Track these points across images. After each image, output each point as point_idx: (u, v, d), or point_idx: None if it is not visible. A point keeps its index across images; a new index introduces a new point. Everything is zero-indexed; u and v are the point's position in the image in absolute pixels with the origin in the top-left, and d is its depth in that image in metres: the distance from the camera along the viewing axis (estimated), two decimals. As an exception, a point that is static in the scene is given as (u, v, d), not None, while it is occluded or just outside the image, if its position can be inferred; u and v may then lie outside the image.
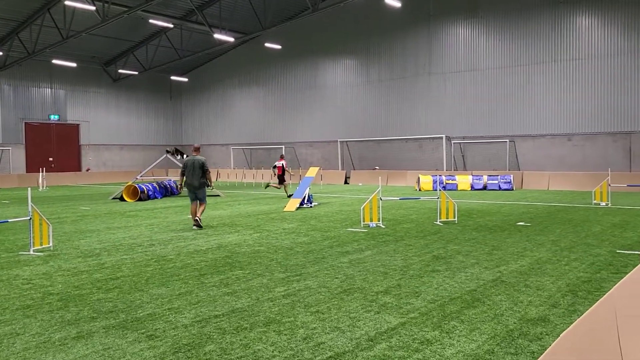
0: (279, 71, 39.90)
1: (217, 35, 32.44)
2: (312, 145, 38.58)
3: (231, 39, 34.08)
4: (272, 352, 4.86)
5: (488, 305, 6.19)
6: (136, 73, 41.21)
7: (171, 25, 33.93)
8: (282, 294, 6.86)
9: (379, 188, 13.23)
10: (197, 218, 12.89)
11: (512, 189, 25.45)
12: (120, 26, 33.77)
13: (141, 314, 6.03)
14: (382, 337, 5.18)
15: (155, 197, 22.89)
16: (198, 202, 13.11)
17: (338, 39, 36.29)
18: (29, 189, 10.79)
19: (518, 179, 26.95)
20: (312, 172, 20.20)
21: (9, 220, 11.30)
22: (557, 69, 27.97)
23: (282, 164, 22.02)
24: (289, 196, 19.30)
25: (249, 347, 4.98)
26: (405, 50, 33.38)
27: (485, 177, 26.26)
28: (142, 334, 5.38)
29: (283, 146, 39.14)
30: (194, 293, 6.96)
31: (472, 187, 25.98)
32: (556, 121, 28.11)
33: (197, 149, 13.70)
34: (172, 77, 44.89)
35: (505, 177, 26.02)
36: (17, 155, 37.73)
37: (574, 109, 27.53)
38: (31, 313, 6.13)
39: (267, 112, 41.02)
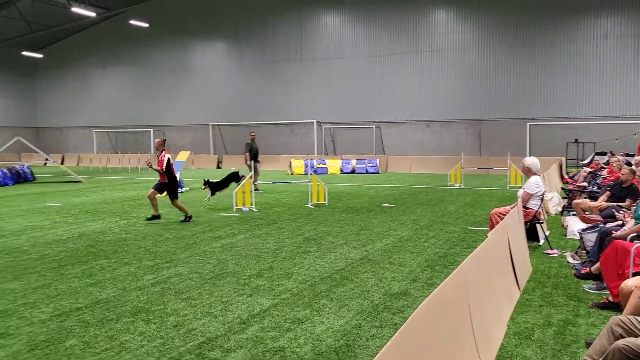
0: (146, 51, 37.95)
1: (75, 9, 29.99)
2: (182, 128, 37.40)
3: (92, 14, 31.75)
4: (141, 342, 4.70)
5: (356, 282, 6.51)
6: (-21, 46, 36.83)
7: (21, -5, 30.73)
8: (151, 281, 6.63)
9: (251, 172, 13.22)
10: None
11: (378, 172, 26.81)
12: (-42, -9, 29.91)
13: (-10, 312, 5.50)
14: (255, 320, 5.24)
15: (6, 184, 20.81)
16: None
17: (209, 20, 35.36)
18: None
19: (383, 163, 28.43)
20: (183, 156, 19.63)
21: None
22: (418, 59, 29.79)
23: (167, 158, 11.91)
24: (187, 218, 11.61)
25: (115, 339, 4.77)
26: (276, 35, 33.46)
27: (353, 161, 27.36)
28: (-8, 333, 4.91)
29: (151, 129, 37.47)
30: (53, 285, 6.48)
31: (341, 170, 26.94)
32: (417, 108, 30.00)
33: None
34: (24, 53, 40.75)
35: (372, 161, 27.32)
36: None
37: (432, 97, 29.56)
38: None
39: (134, 93, 38.92)
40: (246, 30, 34.32)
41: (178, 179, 17.58)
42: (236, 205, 12.87)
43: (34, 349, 4.54)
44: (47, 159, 26.43)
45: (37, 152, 27.89)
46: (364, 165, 27.09)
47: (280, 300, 5.83)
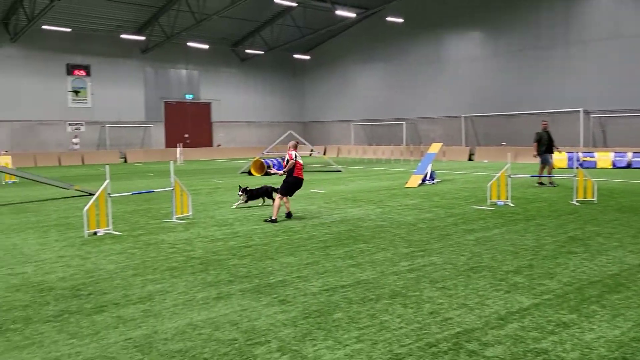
0: (400, 46, 39.22)
1: (338, 12, 32.61)
2: (434, 121, 37.67)
3: (352, 15, 34.10)
4: (399, 323, 4.90)
5: (634, 291, 5.71)
6: (262, 52, 42.81)
7: (295, 4, 34.59)
8: (407, 268, 6.85)
9: (508, 164, 12.62)
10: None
11: (661, 168, 22.98)
12: (248, 7, 35.12)
13: (273, 280, 6.37)
14: (514, 317, 5.00)
15: (276, 173, 23.79)
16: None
17: (463, 11, 34.78)
18: (171, 162, 11.72)
19: (668, 157, 24.25)
20: (435, 148, 19.74)
21: (155, 190, 12.41)
22: None
23: (294, 155, 11.09)
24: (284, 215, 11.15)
25: (376, 318, 5.06)
26: (539, 19, 31.13)
27: (630, 154, 23.96)
28: (275, 298, 5.68)
29: (404, 122, 38.66)
30: (320, 263, 7.18)
31: (613, 164, 23.87)
32: None
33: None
34: (295, 56, 45.99)
35: (653, 155, 23.55)
36: (158, 132, 41.12)
37: None
38: (177, 274, 6.73)
39: (388, 87, 40.64)
40: (505, 16, 32.75)
41: (430, 171, 17.86)
42: (490, 199, 12.45)
43: (308, 317, 5.10)
44: (312, 150, 29.41)
45: (305, 144, 31.25)
46: (641, 159, 23.52)
47: (542, 301, 5.45)
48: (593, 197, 12.47)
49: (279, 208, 10.73)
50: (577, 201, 12.41)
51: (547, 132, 16.50)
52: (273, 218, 10.51)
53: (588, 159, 24.30)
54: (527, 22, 31.66)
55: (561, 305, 5.31)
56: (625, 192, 14.44)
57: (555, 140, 16.76)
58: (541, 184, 16.31)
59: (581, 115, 29.12)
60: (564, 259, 7.16)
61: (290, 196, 11.18)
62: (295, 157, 10.86)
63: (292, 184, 10.92)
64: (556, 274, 6.41)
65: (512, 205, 12.20)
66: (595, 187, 12.70)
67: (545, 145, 16.35)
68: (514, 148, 30.24)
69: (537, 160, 16.64)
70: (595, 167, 23.67)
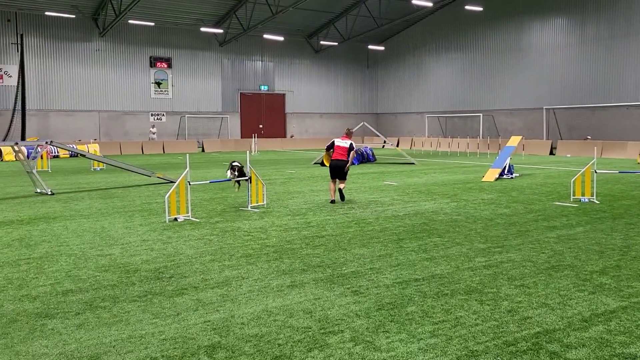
0: (478, 34, 38.00)
1: (415, 1, 32.00)
2: (512, 113, 36.29)
3: (429, 4, 33.36)
4: (475, 320, 4.79)
5: None
6: (336, 44, 42.85)
7: (370, -6, 34.36)
8: (483, 264, 6.67)
9: (593, 159, 11.95)
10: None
11: None
12: (323, -1, 35.26)
13: (346, 271, 6.40)
14: (599, 319, 4.75)
15: (353, 163, 23.78)
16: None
17: (547, -4, 33.16)
18: (247, 152, 12.01)
19: None
20: (514, 141, 19.03)
21: (231, 179, 12.77)
22: None
23: (350, 144, 11.93)
24: (332, 202, 11.94)
25: (451, 313, 4.97)
26: (630, 4, 29.15)
27: None
28: (348, 289, 5.71)
29: (481, 114, 37.51)
30: (394, 256, 7.13)
31: None
32: None
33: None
34: (369, 47, 45.66)
35: None
36: (234, 123, 42.27)
37: None
38: (252, 261, 6.91)
39: (464, 78, 39.54)
40: (593, 1, 30.93)
41: (508, 165, 17.24)
42: (574, 195, 11.86)
43: (381, 309, 5.09)
44: (385, 142, 29.20)
45: (378, 136, 31.05)
46: None
47: (630, 303, 5.14)
48: (689, 196, 11.59)
49: (333, 191, 11.98)
50: (671, 199, 11.58)
51: None
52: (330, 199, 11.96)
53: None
54: (617, 8, 29.72)
55: (652, 309, 4.99)
56: None
57: None
58: None
59: (677, 107, 27.06)
60: (656, 260, 6.71)
61: (335, 179, 11.93)
62: (333, 142, 12.11)
63: (329, 167, 12.02)
64: (647, 277, 6.02)
65: (597, 202, 11.56)
66: (693, 185, 11.80)
67: None
68: (599, 142, 28.59)
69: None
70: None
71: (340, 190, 11.91)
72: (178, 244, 7.96)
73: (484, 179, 16.44)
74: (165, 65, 38.96)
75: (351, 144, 11.82)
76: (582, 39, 31.65)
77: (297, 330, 4.57)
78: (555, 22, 33.11)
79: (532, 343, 4.28)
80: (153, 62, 38.42)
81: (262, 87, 43.29)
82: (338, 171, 11.79)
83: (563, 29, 32.73)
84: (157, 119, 38.94)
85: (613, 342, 4.28)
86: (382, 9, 36.99)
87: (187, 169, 9.92)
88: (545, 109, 33.37)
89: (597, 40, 30.88)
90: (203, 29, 37.47)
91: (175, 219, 9.79)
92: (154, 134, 37.83)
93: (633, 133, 28.95)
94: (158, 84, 38.87)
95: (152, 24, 36.47)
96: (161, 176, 16.26)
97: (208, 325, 4.72)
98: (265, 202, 11.51)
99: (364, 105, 48.38)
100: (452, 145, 35.46)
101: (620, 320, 4.72)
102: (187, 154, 10.69)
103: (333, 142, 12.09)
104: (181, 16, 37.17)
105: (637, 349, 4.13)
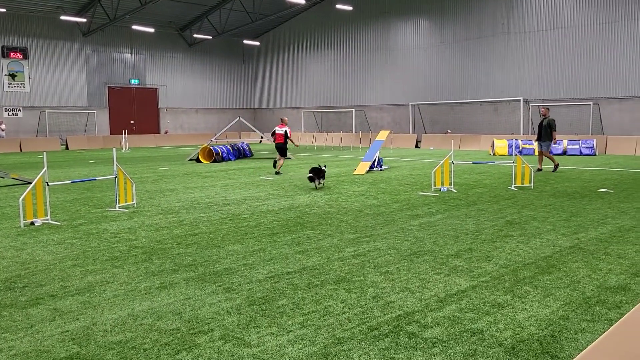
0: (349, 33, 39.39)
1: (288, -2, 32.35)
2: (382, 108, 38.15)
3: (302, 1, 33.91)
4: (342, 308, 4.99)
5: (564, 272, 6.01)
6: (210, 38, 42.05)
7: (243, -11, 34.16)
8: (352, 254, 6.96)
9: (451, 152, 12.95)
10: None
11: (595, 154, 24.16)
12: (195, -9, 34.38)
13: (218, 268, 6.34)
14: (452, 299, 5.18)
15: (229, 159, 23.57)
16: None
17: (411, -1, 35.24)
18: (114, 149, 11.39)
19: (602, 144, 25.50)
20: (382, 135, 20.02)
21: (97, 178, 12.05)
22: (651, 25, 25.86)
23: (285, 131, 17.08)
24: (277, 173, 16.98)
25: (320, 303, 5.13)
26: (482, 9, 31.94)
27: (565, 142, 25.06)
28: (220, 286, 5.66)
29: (353, 109, 38.95)
30: (267, 250, 7.20)
31: (550, 151, 24.84)
32: (647, 82, 26.18)
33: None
34: (245, 41, 45.41)
35: (588, 142, 24.70)
36: (102, 118, 39.84)
37: (668, 68, 25.49)
38: (119, 264, 6.59)
39: (337, 75, 40.80)
40: (450, 6, 33.41)
41: (378, 158, 18.12)
42: (435, 185, 12.77)
43: (253, 305, 5.12)
44: (262, 137, 29.25)
45: (255, 131, 31.02)
46: (577, 147, 24.65)
47: (479, 283, 5.67)
48: (530, 183, 13.00)
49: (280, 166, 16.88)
50: (515, 187, 12.90)
51: (542, 120, 16.76)
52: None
53: (527, 146, 25.23)
54: (470, 12, 32.42)
55: (497, 286, 5.54)
56: (560, 178, 15.11)
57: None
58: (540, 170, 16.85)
59: (521, 104, 30.16)
60: (501, 242, 7.46)
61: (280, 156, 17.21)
62: (275, 130, 17.15)
63: (275, 147, 17.41)
64: (493, 257, 6.67)
65: (455, 191, 12.56)
66: (532, 174, 13.24)
67: (539, 133, 16.76)
68: (458, 136, 31.05)
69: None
70: (533, 154, 24.59)
71: (275, 162, 16.97)
72: (34, 250, 7.36)
73: (355, 172, 17.12)
74: (21, 56, 35.66)
75: (286, 130, 16.88)
76: (442, 40, 34.10)
77: (164, 333, 4.45)
78: (418, 24, 35.31)
79: (394, 326, 4.56)
80: (6, 52, 34.98)
81: (133, 81, 41.27)
82: (280, 150, 17.14)
83: (425, 30, 35.01)
84: (13, 114, 35.54)
85: (463, 319, 4.69)
86: (256, 4, 36.93)
87: (45, 168, 9.19)
88: (411, 105, 35.52)
89: (454, 42, 33.44)
90: (63, 17, 34.74)
91: (32, 223, 9.03)
92: (2, 130, 34.34)
93: (486, 127, 31.82)
94: (12, 76, 35.46)
95: (4, 10, 33.13)
96: (17, 177, 14.88)
97: (66, 335, 4.42)
98: (134, 201, 11.01)
99: (241, 101, 48.05)
100: (327, 140, 36.46)
101: (470, 299, 5.18)
102: (45, 153, 9.88)
103: (274, 130, 17.15)
104: (38, 2, 34.17)
105: (484, 324, 4.56)
